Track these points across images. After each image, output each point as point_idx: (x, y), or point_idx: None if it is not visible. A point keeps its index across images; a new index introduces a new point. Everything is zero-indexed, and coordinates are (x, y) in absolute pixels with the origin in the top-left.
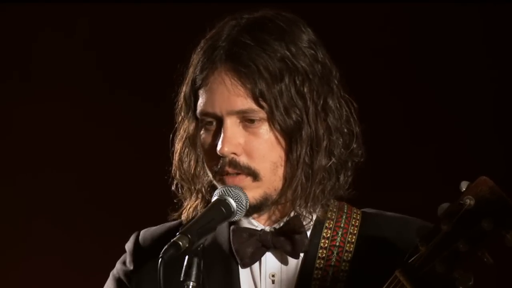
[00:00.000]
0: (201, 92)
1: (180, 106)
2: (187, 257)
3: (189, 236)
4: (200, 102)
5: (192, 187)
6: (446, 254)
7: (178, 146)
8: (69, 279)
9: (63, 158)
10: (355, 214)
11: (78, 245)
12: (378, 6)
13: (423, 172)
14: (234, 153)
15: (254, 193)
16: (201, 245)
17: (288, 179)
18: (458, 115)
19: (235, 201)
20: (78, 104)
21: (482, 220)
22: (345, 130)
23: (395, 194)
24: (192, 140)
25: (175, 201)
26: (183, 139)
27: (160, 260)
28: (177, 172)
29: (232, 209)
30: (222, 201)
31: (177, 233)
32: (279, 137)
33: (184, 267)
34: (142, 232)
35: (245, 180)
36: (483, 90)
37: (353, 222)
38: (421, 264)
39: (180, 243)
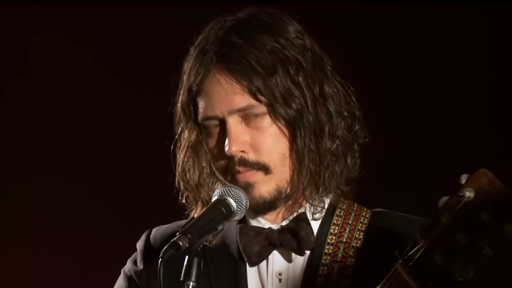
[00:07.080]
0: (199, 99)
1: (178, 116)
2: (187, 257)
3: (189, 236)
4: (200, 108)
5: (197, 196)
6: (445, 246)
7: (180, 156)
8: (69, 281)
9: (63, 159)
10: (364, 212)
11: (78, 247)
12: (378, 6)
13: (421, 171)
14: (243, 151)
15: (267, 187)
16: (201, 245)
17: (297, 168)
18: (457, 114)
19: (235, 201)
20: (79, 104)
21: (482, 212)
22: (346, 113)
23: (393, 194)
24: (194, 149)
25: (185, 212)
26: (185, 149)
27: (160, 260)
28: (181, 182)
29: (232, 209)
30: (222, 201)
31: (177, 233)
32: (282, 128)
33: (184, 267)
34: (153, 231)
35: (257, 175)
36: (483, 90)
37: (361, 220)
38: (420, 257)
39: (180, 243)
